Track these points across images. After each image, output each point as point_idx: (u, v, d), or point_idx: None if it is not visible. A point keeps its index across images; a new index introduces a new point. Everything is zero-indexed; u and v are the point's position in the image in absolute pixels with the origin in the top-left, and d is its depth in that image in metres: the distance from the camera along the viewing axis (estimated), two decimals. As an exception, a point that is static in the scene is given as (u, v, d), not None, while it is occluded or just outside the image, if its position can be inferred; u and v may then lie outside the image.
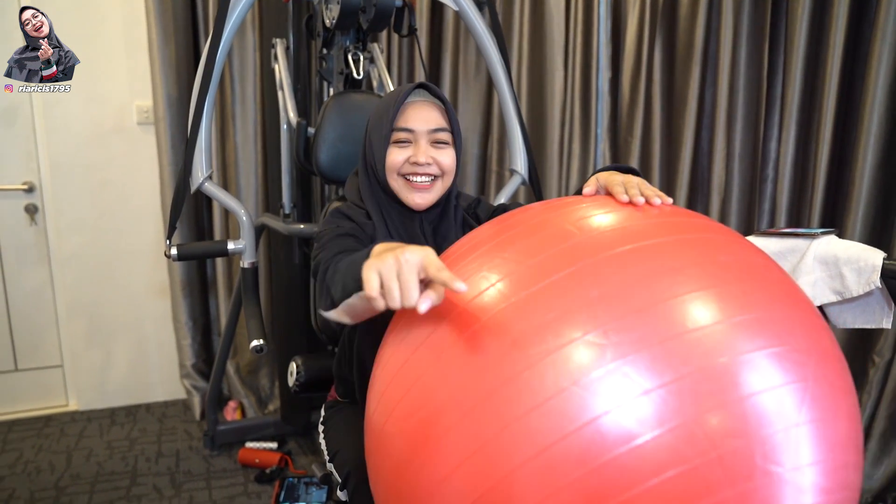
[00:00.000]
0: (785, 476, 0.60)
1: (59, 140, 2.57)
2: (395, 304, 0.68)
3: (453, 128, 1.16)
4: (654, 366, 0.61)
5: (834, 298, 1.39)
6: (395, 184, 1.16)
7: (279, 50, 2.03)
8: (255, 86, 2.59)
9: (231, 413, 2.70)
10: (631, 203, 0.82)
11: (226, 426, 2.52)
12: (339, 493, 1.17)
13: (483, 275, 0.74)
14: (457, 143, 1.17)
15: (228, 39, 1.55)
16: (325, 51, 1.91)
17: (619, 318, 0.64)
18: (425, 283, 0.70)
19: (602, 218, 0.78)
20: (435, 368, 0.71)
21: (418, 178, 1.14)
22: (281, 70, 1.98)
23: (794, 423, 0.62)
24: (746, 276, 0.71)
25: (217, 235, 2.65)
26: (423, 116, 1.13)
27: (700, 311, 0.65)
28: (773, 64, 2.43)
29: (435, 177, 1.15)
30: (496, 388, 0.64)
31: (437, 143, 1.15)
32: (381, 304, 0.70)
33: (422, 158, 1.12)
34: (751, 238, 1.54)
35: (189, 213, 2.64)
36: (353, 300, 0.81)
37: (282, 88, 1.95)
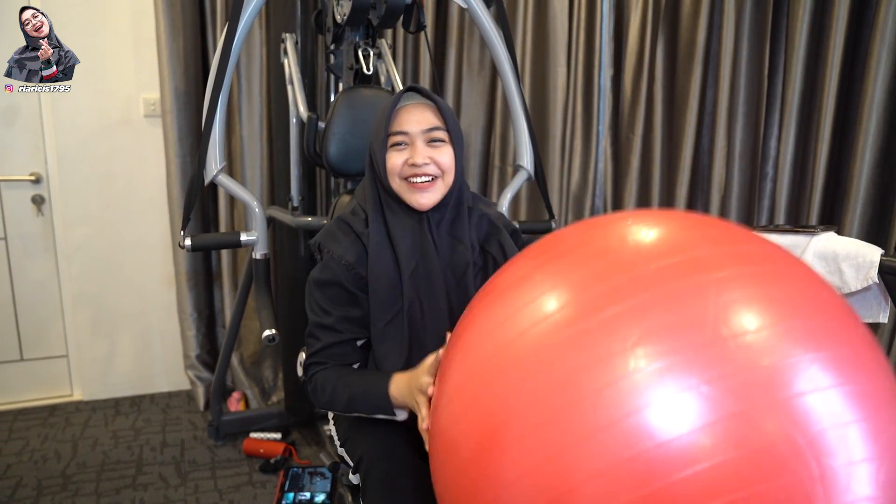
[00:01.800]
0: (838, 470, 0.62)
1: (67, 132, 2.58)
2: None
3: (448, 125, 1.17)
4: (719, 398, 0.63)
5: (834, 293, 1.43)
6: (398, 186, 1.18)
7: (289, 45, 2.05)
8: (261, 80, 2.61)
9: (235, 404, 2.73)
10: None
11: (230, 417, 2.55)
12: (350, 476, 1.20)
13: (549, 297, 0.75)
14: (454, 141, 1.18)
15: (243, 34, 1.58)
16: (334, 46, 1.93)
17: (683, 350, 0.65)
18: None
19: (650, 234, 0.79)
20: (508, 380, 0.73)
21: (418, 179, 1.16)
22: (291, 65, 2.01)
23: (844, 422, 0.63)
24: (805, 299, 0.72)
25: (223, 227, 2.67)
26: (415, 118, 1.16)
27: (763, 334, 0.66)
28: (773, 63, 2.47)
29: (435, 176, 1.17)
30: (567, 406, 0.67)
31: (433, 141, 1.16)
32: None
33: (419, 159, 1.14)
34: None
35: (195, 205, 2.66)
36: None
37: (291, 83, 1.98)
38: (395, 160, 1.16)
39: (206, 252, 2.76)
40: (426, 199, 1.17)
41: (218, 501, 2.11)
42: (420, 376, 0.98)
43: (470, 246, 1.21)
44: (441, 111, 1.17)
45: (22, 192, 2.63)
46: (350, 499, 1.30)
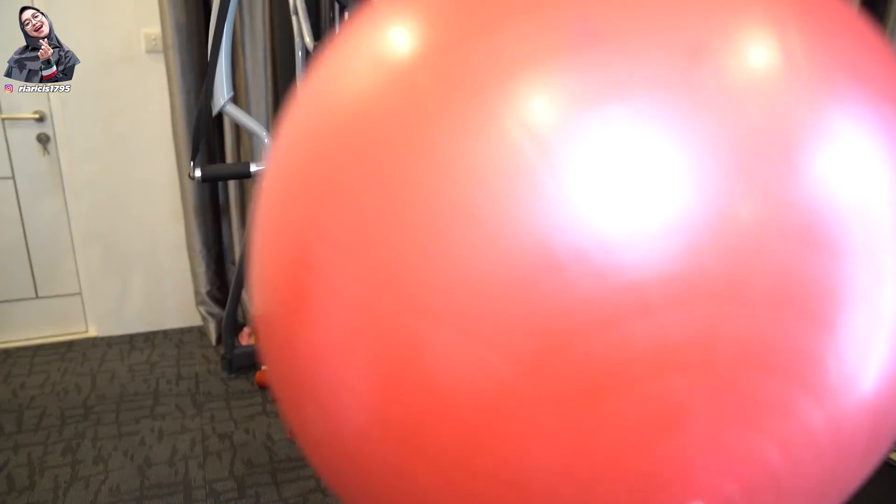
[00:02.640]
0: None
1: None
2: None
3: None
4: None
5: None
6: None
7: (291, -27, 2.01)
8: (263, 12, 2.56)
9: (246, 338, 2.79)
10: None
11: (242, 350, 2.60)
12: None
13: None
14: None
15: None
16: (338, -27, 1.89)
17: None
18: None
19: None
20: (318, 184, 0.45)
21: None
22: (294, -6, 1.96)
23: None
24: None
25: (229, 159, 2.66)
26: None
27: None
28: None
29: None
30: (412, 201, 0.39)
31: None
32: None
33: None
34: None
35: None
36: None
37: (296, 13, 1.94)
38: None
39: (214, 186, 2.76)
40: None
41: (234, 430, 2.18)
42: None
43: None
44: None
45: (27, 131, 2.62)
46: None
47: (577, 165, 0.36)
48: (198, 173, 1.56)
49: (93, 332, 2.90)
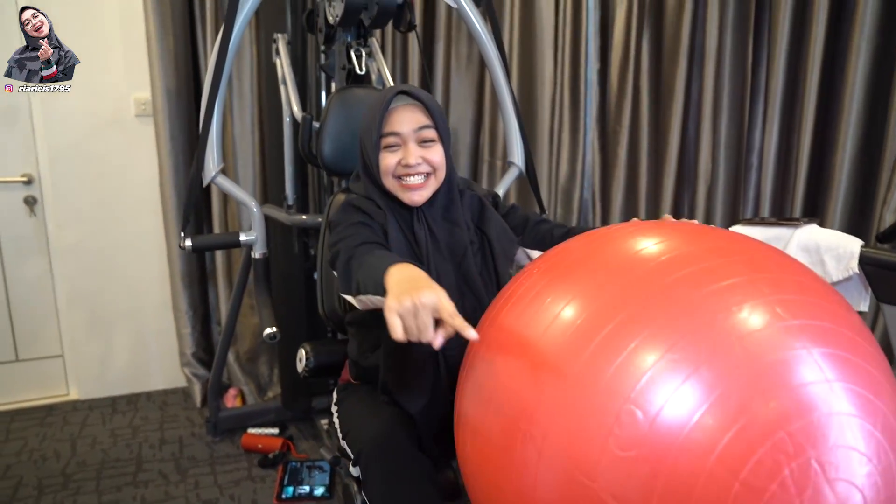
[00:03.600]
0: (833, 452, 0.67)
1: (58, 132, 2.59)
2: (414, 339, 0.82)
3: (437, 123, 1.23)
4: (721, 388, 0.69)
5: (817, 283, 1.48)
6: (391, 185, 1.25)
7: (281, 45, 2.07)
8: (252, 80, 2.62)
9: (231, 400, 2.76)
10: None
11: (228, 413, 2.57)
12: (351, 468, 1.24)
13: (566, 309, 0.81)
14: (443, 137, 1.25)
15: (239, 34, 1.60)
16: (326, 46, 1.96)
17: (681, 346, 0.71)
18: (437, 322, 0.83)
19: (653, 248, 0.85)
20: (532, 376, 0.79)
21: (411, 179, 1.22)
22: (284, 65, 2.03)
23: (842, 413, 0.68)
24: (797, 289, 0.78)
25: (216, 225, 2.68)
26: (406, 119, 1.21)
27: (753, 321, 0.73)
28: (757, 56, 2.52)
29: (427, 174, 1.23)
30: (586, 407, 0.73)
31: (424, 141, 1.23)
32: (403, 339, 0.82)
33: (412, 160, 1.20)
34: (737, 227, 1.62)
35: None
36: (369, 299, 0.98)
37: (284, 83, 2.00)
38: (389, 161, 1.22)
39: (201, 252, 2.77)
40: (419, 196, 1.24)
41: (219, 497, 2.14)
42: (431, 286, 0.85)
43: (465, 227, 1.29)
44: (430, 110, 1.23)
45: (14, 194, 2.63)
46: (356, 489, 1.34)
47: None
48: (188, 243, 1.58)
49: (74, 395, 2.86)
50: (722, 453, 0.65)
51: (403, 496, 1.08)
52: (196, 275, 2.76)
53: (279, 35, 2.10)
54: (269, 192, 2.62)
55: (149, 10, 2.45)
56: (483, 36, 1.91)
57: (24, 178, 2.62)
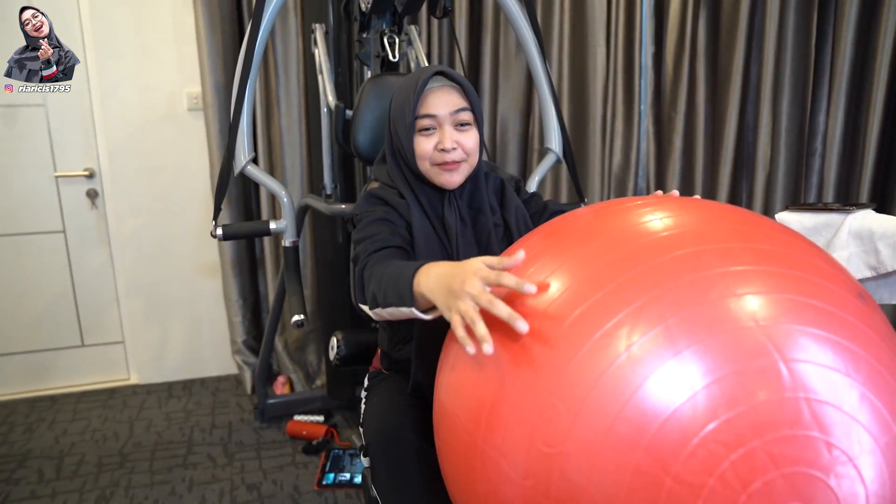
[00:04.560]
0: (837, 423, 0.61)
1: (117, 127, 2.70)
2: (479, 333, 0.74)
3: (473, 107, 1.20)
4: (714, 363, 0.63)
5: (869, 274, 1.37)
6: (427, 170, 1.21)
7: (318, 35, 2.08)
8: (298, 70, 2.66)
9: (280, 388, 2.81)
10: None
11: (275, 400, 2.63)
12: (362, 458, 1.23)
13: (547, 281, 0.76)
14: (479, 123, 1.21)
15: (267, 27, 1.61)
16: (362, 34, 1.95)
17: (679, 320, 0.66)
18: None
19: (657, 222, 0.79)
20: (504, 360, 0.75)
21: (448, 161, 1.19)
22: (320, 54, 2.03)
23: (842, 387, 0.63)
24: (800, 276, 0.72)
25: (264, 216, 2.74)
26: (443, 101, 1.17)
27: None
28: (821, 33, 2.36)
29: (461, 161, 1.20)
30: (559, 392, 0.68)
31: (460, 124, 1.19)
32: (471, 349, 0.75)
33: (448, 143, 1.16)
34: (784, 214, 1.52)
35: (238, 194, 2.74)
36: (398, 311, 0.93)
37: (321, 72, 2.00)
38: (425, 146, 1.18)
39: (251, 240, 2.84)
40: (454, 178, 1.20)
41: (262, 481, 2.19)
42: (471, 263, 0.81)
43: (490, 212, 1.25)
44: (466, 92, 1.19)
45: (78, 187, 2.76)
46: (370, 480, 1.33)
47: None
48: (219, 232, 1.61)
49: (134, 380, 2.99)
50: (713, 435, 0.61)
51: (408, 491, 1.06)
52: (246, 263, 2.83)
53: (316, 25, 2.11)
54: (315, 181, 2.65)
55: (198, 7, 2.51)
56: (519, 20, 1.86)
57: (87, 173, 2.74)
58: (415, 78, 1.19)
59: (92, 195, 2.77)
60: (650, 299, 0.67)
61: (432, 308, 0.88)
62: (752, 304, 0.65)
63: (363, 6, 1.82)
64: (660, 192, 0.97)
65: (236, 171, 1.60)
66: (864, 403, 0.63)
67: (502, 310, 0.72)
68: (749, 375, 0.61)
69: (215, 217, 1.62)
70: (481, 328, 0.73)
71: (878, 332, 0.69)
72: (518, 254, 0.77)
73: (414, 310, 0.90)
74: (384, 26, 1.88)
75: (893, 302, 1.40)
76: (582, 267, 0.75)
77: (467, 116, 1.19)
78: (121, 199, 2.76)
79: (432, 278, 0.85)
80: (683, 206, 0.83)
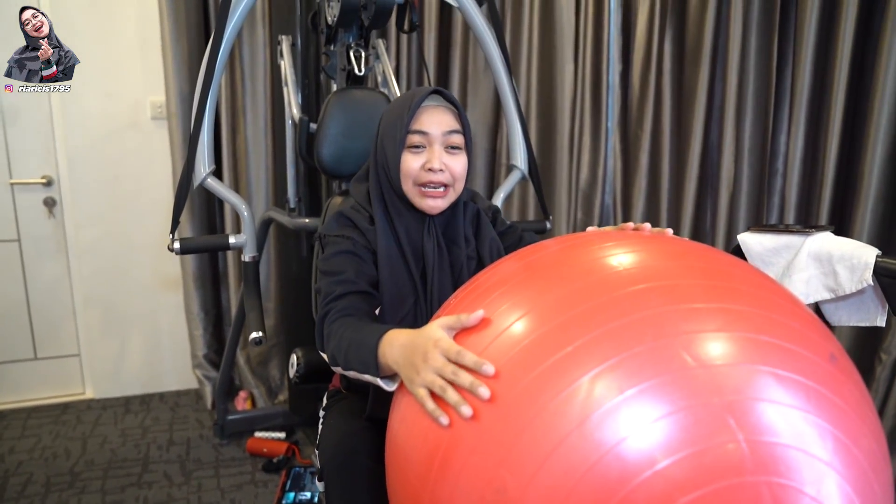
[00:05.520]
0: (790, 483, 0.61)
1: (77, 134, 2.63)
2: (453, 401, 0.74)
3: (465, 131, 1.17)
4: (665, 395, 0.62)
5: (828, 296, 1.39)
6: (409, 190, 1.17)
7: (285, 46, 2.06)
8: (265, 81, 2.63)
9: (242, 403, 2.76)
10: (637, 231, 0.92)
11: (235, 416, 2.57)
12: (318, 482, 1.20)
13: (500, 312, 0.77)
14: (468, 148, 1.19)
15: (231, 36, 1.58)
16: (328, 47, 1.93)
17: (630, 355, 0.65)
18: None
19: (622, 257, 0.78)
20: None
21: (431, 188, 1.16)
22: (286, 66, 2.01)
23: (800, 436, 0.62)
24: (763, 321, 0.71)
25: (228, 229, 2.69)
26: (437, 119, 1.14)
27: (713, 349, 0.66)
28: (782, 56, 2.41)
29: (446, 185, 1.16)
30: (511, 436, 0.67)
31: (450, 147, 1.16)
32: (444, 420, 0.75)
33: (436, 164, 1.13)
34: (746, 234, 1.54)
35: (201, 206, 2.69)
36: (361, 376, 0.94)
37: (286, 84, 1.98)
38: (412, 163, 1.15)
39: (213, 253, 2.78)
40: (436, 204, 1.17)
41: (220, 500, 2.13)
42: (431, 331, 0.82)
43: (464, 243, 1.22)
44: (461, 116, 1.17)
45: (34, 195, 2.69)
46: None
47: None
48: (176, 245, 1.57)
49: (90, 394, 2.90)
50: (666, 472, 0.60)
51: None
52: (209, 276, 2.78)
53: (283, 37, 2.09)
54: (280, 194, 2.62)
55: (164, 15, 2.47)
56: (486, 36, 1.86)
57: (44, 180, 2.67)
58: (410, 95, 1.16)
59: (49, 203, 2.70)
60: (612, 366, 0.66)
61: (395, 375, 0.89)
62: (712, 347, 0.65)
63: (329, 19, 1.80)
64: (630, 224, 0.96)
65: (195, 183, 1.56)
66: (827, 437, 0.63)
67: (465, 380, 0.73)
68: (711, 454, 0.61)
69: (173, 230, 1.58)
70: (453, 395, 0.73)
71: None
72: (477, 312, 0.77)
73: (378, 380, 0.91)
74: (350, 40, 1.86)
75: (851, 324, 1.41)
76: (536, 306, 0.75)
77: (459, 140, 1.16)
78: (80, 208, 2.69)
79: (396, 350, 0.87)
80: (644, 241, 0.82)
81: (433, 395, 0.76)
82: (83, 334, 2.84)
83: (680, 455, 0.60)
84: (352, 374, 0.96)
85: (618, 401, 0.62)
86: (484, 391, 0.70)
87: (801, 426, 0.62)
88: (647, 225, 0.95)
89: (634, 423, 0.61)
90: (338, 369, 1.00)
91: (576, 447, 0.62)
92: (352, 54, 1.83)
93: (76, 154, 2.65)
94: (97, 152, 2.66)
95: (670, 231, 0.94)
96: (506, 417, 0.67)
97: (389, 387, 0.91)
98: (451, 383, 0.74)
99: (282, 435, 2.51)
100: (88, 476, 2.26)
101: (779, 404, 0.62)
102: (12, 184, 2.65)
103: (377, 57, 2.06)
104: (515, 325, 0.73)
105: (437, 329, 0.80)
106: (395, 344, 0.87)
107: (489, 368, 0.71)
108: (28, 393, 2.83)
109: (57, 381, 2.87)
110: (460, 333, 0.80)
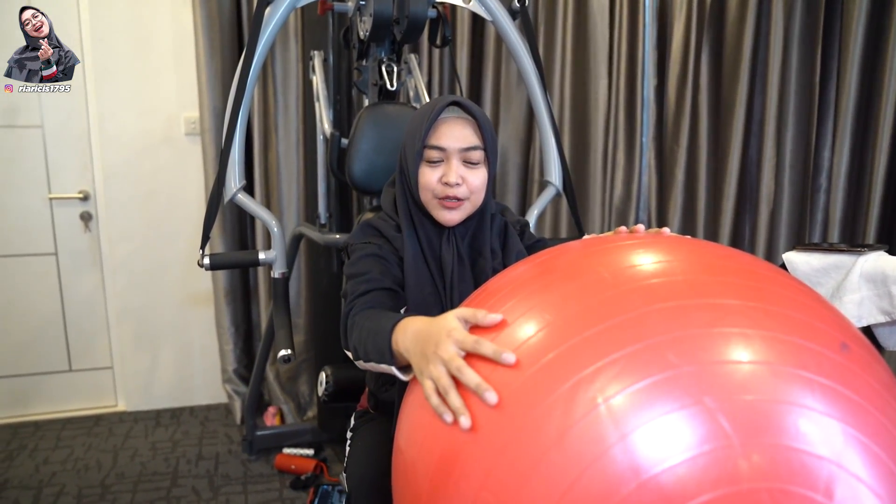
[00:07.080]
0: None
1: (113, 150, 2.67)
2: (454, 405, 0.70)
3: (486, 145, 1.14)
4: (682, 390, 0.59)
5: (882, 319, 1.31)
6: (427, 201, 1.16)
7: (317, 62, 2.06)
8: (297, 96, 2.64)
9: (270, 419, 2.74)
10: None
11: (264, 431, 2.56)
12: None
13: (519, 324, 0.72)
14: (490, 159, 1.16)
15: (263, 53, 1.58)
16: (360, 62, 1.93)
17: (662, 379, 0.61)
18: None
19: (645, 266, 0.74)
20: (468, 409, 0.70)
21: (447, 201, 1.14)
22: (318, 82, 2.01)
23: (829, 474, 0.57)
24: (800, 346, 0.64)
25: (259, 245, 2.70)
26: (455, 134, 1.12)
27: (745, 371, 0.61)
28: (826, 68, 2.34)
29: (463, 199, 1.14)
30: (525, 453, 0.63)
31: (468, 162, 1.13)
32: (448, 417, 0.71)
33: (453, 178, 1.11)
34: (792, 253, 1.47)
35: (232, 222, 2.70)
36: (380, 367, 0.89)
37: (318, 100, 1.98)
38: (429, 177, 1.13)
39: (244, 268, 2.79)
40: (453, 216, 1.15)
41: (247, 517, 2.12)
42: (447, 320, 0.77)
43: (490, 255, 1.20)
44: (481, 128, 1.14)
45: (71, 210, 2.73)
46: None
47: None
48: (206, 261, 1.56)
49: (122, 407, 2.92)
50: None
51: None
52: (239, 291, 2.78)
53: (315, 52, 2.09)
54: (311, 209, 2.61)
55: (198, 30, 2.50)
56: (521, 50, 1.83)
57: (81, 195, 2.71)
58: (430, 106, 1.14)
59: (86, 218, 2.73)
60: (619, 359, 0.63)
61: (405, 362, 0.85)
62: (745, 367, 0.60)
63: (362, 34, 1.80)
64: (624, 229, 0.92)
65: (226, 199, 1.56)
66: (835, 434, 0.58)
67: (471, 379, 0.68)
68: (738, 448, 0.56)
69: (203, 246, 1.57)
70: (455, 399, 0.69)
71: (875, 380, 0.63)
72: (495, 315, 0.73)
73: (394, 368, 0.87)
74: (383, 55, 1.85)
75: (905, 349, 1.34)
76: (556, 313, 0.70)
77: (478, 156, 1.13)
78: (115, 223, 2.72)
79: (409, 337, 0.83)
80: (678, 250, 0.77)
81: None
82: (116, 347, 2.86)
83: (670, 464, 0.56)
84: (371, 365, 0.92)
85: (642, 427, 0.58)
86: (491, 396, 0.65)
87: (802, 426, 0.57)
88: (641, 226, 0.91)
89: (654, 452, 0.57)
90: (360, 363, 0.96)
91: (600, 475, 0.58)
92: (384, 69, 1.82)
93: (112, 169, 2.68)
94: (132, 168, 2.70)
95: (667, 230, 0.89)
96: (517, 440, 0.63)
97: (406, 376, 0.87)
98: (457, 382, 0.70)
99: (310, 452, 2.48)
100: (119, 489, 2.26)
101: (779, 404, 0.57)
102: (51, 198, 2.69)
103: (409, 72, 2.05)
104: (534, 338, 0.69)
105: (453, 319, 0.76)
106: (409, 330, 0.83)
107: (510, 357, 0.66)
108: (63, 404, 2.86)
109: (90, 393, 2.89)
110: (472, 331, 0.75)
